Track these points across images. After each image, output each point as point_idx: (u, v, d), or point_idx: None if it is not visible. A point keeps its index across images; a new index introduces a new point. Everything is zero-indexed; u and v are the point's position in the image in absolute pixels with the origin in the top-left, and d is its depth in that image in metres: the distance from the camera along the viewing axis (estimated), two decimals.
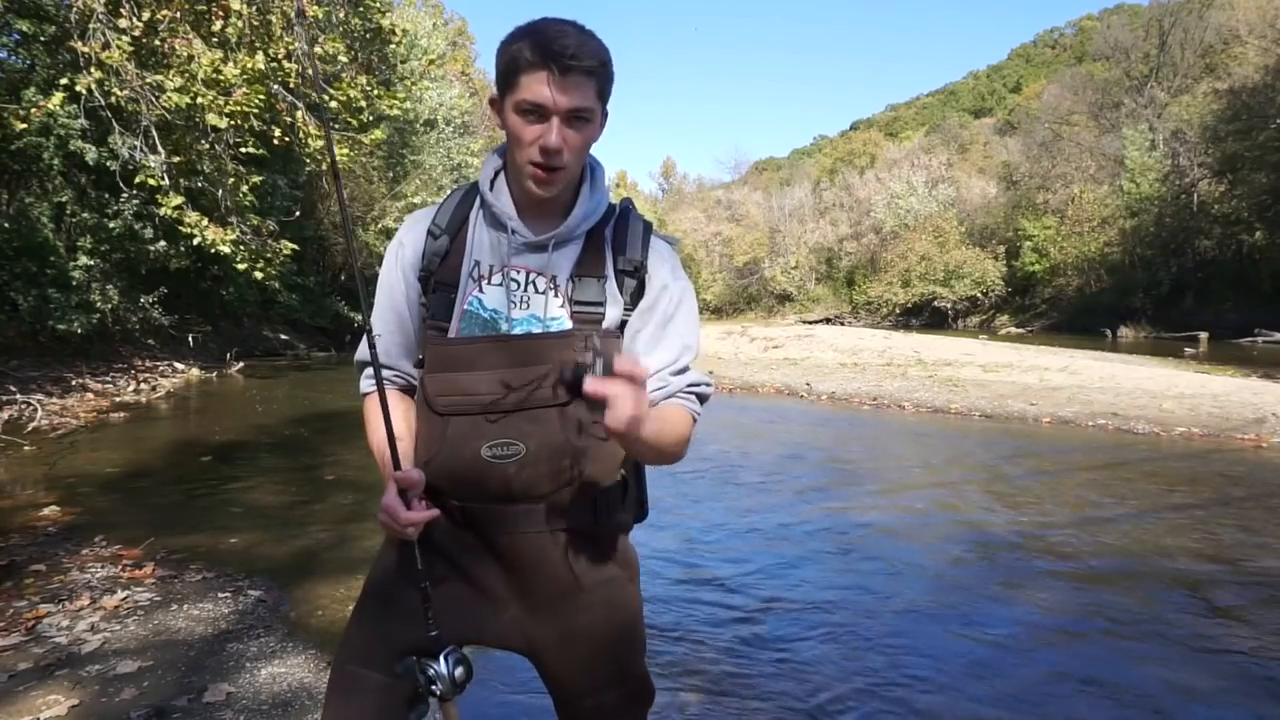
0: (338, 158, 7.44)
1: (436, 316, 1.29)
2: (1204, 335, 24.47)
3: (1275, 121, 28.26)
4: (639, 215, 1.35)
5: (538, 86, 1.16)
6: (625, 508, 1.35)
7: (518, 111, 1.19)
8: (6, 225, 11.15)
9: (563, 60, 1.15)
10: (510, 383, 1.23)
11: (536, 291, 1.27)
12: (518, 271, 1.28)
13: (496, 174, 1.32)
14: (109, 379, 11.76)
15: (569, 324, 1.26)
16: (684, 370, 1.32)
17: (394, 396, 1.34)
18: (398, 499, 1.18)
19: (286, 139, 8.30)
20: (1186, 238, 33.11)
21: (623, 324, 1.31)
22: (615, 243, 1.31)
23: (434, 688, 1.19)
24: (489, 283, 1.27)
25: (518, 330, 1.25)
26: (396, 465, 1.20)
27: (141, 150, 8.01)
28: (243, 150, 9.17)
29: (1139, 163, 35.80)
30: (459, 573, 1.30)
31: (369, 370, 1.34)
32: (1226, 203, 31.66)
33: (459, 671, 1.20)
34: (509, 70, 1.19)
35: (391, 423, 1.21)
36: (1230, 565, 4.32)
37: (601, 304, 1.27)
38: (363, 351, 1.33)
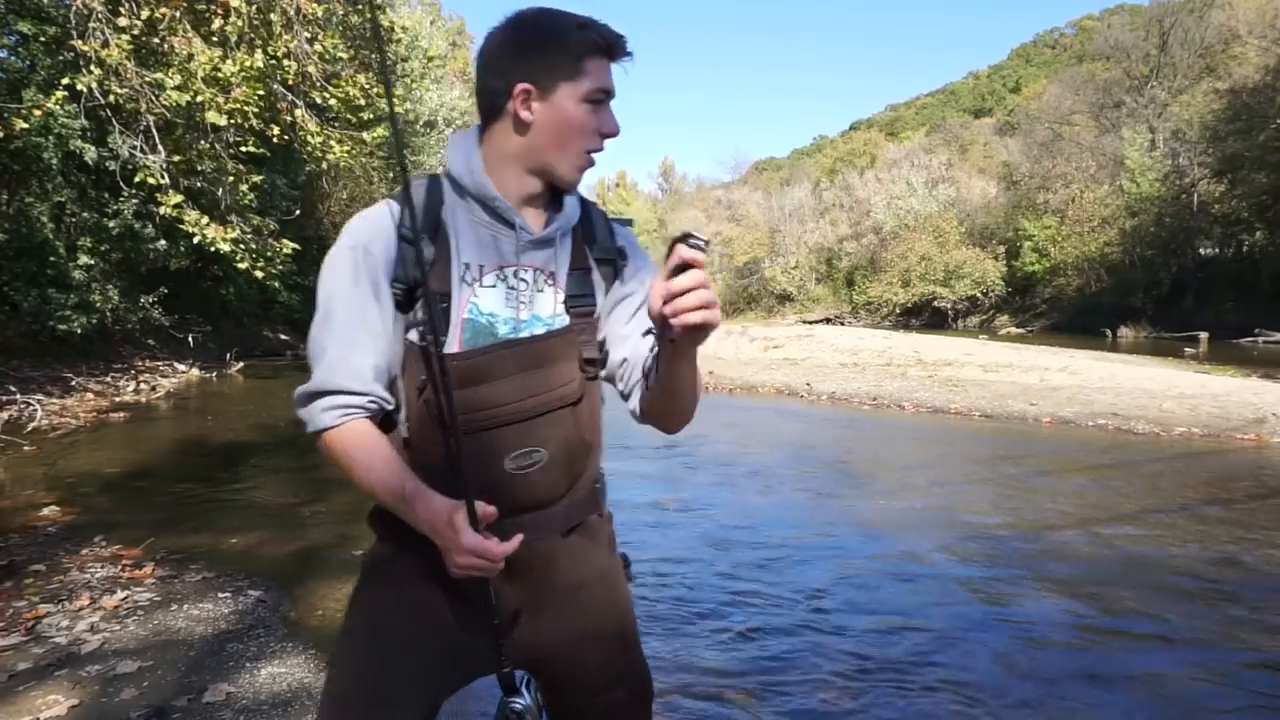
0: (336, 156, 7.40)
1: (435, 330, 1.15)
2: (1204, 335, 24.47)
3: (1275, 121, 28.24)
4: (591, 202, 1.35)
5: (605, 74, 1.18)
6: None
7: (587, 100, 1.17)
8: (6, 225, 11.14)
9: (624, 48, 1.19)
10: (531, 389, 1.20)
11: (538, 290, 1.24)
12: (525, 270, 1.23)
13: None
14: (109, 379, 11.76)
15: (567, 319, 1.25)
16: None
17: (366, 425, 1.17)
18: (480, 535, 1.07)
19: (286, 137, 8.28)
20: (1186, 238, 33.10)
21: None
22: (586, 233, 1.31)
23: None
24: (481, 285, 1.20)
25: (525, 333, 1.21)
26: (470, 499, 1.07)
27: (141, 149, 8.01)
28: (243, 149, 9.16)
29: (1139, 163, 35.77)
30: (460, 600, 1.22)
31: (331, 401, 1.15)
32: (1226, 203, 31.65)
33: (540, 696, 1.21)
34: (577, 58, 1.16)
35: (461, 453, 1.07)
36: (1231, 564, 4.32)
37: (591, 295, 1.29)
38: (328, 378, 1.15)
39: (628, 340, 1.33)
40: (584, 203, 1.31)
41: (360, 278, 1.16)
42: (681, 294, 0.96)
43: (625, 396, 1.35)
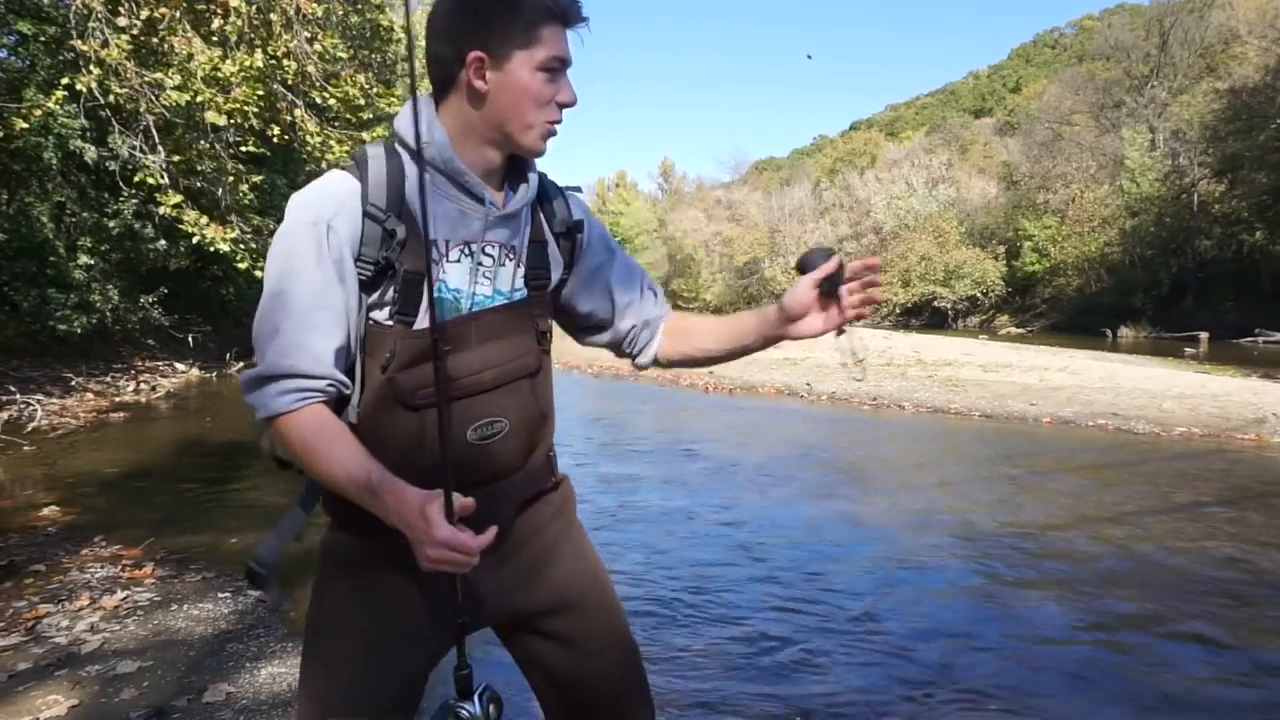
0: (336, 156, 7.39)
1: (405, 310, 1.14)
2: (1204, 335, 24.47)
3: (1275, 121, 28.24)
4: (544, 173, 1.33)
5: (560, 41, 1.15)
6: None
7: (543, 68, 1.14)
8: (6, 225, 11.14)
9: (579, 13, 1.16)
10: (491, 360, 1.21)
11: (500, 265, 1.23)
12: (491, 246, 1.21)
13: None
14: (109, 379, 11.76)
15: (525, 292, 1.26)
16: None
17: (324, 410, 1.13)
18: (456, 528, 1.02)
19: (286, 137, 8.29)
20: (1186, 238, 33.09)
21: (560, 284, 1.35)
22: (543, 206, 1.31)
23: None
24: (448, 260, 1.18)
25: (486, 307, 1.22)
26: (448, 490, 1.03)
27: (141, 149, 8.01)
28: (243, 149, 9.17)
29: (1139, 163, 35.77)
30: (424, 584, 1.19)
31: (286, 384, 1.10)
32: (1226, 203, 31.64)
33: (491, 709, 1.17)
34: (530, 24, 1.12)
35: (447, 439, 1.05)
36: (1231, 565, 4.32)
37: (547, 269, 1.30)
38: (283, 361, 1.10)
39: (631, 307, 1.40)
40: (538, 174, 1.31)
41: (323, 256, 1.11)
42: (872, 288, 1.22)
43: (633, 354, 1.41)
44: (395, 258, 1.14)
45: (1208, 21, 37.83)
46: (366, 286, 1.14)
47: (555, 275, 1.32)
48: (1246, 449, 7.53)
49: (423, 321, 1.15)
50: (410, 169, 1.17)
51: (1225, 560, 4.39)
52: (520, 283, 1.25)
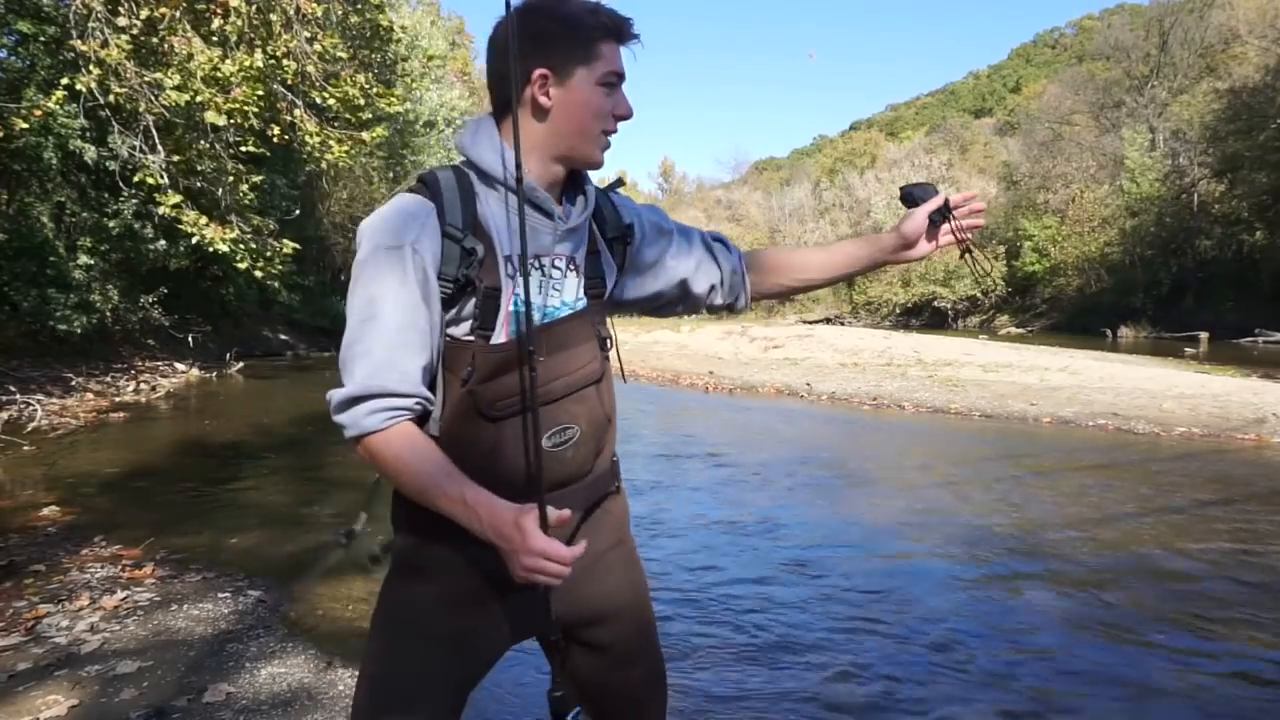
0: (336, 156, 7.37)
1: (484, 325, 1.19)
2: (1204, 335, 24.44)
3: (1275, 121, 28.21)
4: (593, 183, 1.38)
5: (617, 57, 1.22)
6: None
7: (602, 83, 1.21)
8: (6, 225, 11.14)
9: (632, 30, 1.23)
10: (559, 370, 1.24)
11: (564, 277, 1.28)
12: (559, 259, 1.26)
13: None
14: (109, 379, 11.76)
15: (586, 302, 1.31)
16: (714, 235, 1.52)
17: (413, 428, 1.16)
18: (552, 539, 1.07)
19: (286, 137, 8.29)
20: (1186, 238, 33.06)
21: (614, 284, 1.39)
22: (596, 215, 1.35)
23: None
24: (522, 274, 1.21)
25: (556, 317, 1.26)
26: (542, 503, 1.08)
27: (141, 149, 8.01)
28: (243, 149, 9.17)
29: (1139, 163, 35.74)
30: (491, 591, 1.25)
31: (377, 404, 1.13)
32: (1226, 203, 31.61)
33: None
34: (588, 42, 1.19)
35: (540, 451, 1.14)
36: (1231, 565, 4.31)
37: (603, 277, 1.35)
38: (373, 381, 1.13)
39: (703, 265, 1.46)
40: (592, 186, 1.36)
41: (408, 278, 1.14)
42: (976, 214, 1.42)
43: (731, 304, 1.50)
44: (474, 275, 1.18)
45: (1208, 21, 37.80)
46: (446, 303, 1.19)
47: (610, 281, 1.36)
48: (1246, 449, 7.52)
49: (500, 335, 1.20)
50: (480, 188, 1.22)
51: (1225, 560, 4.37)
52: (581, 293, 1.30)
